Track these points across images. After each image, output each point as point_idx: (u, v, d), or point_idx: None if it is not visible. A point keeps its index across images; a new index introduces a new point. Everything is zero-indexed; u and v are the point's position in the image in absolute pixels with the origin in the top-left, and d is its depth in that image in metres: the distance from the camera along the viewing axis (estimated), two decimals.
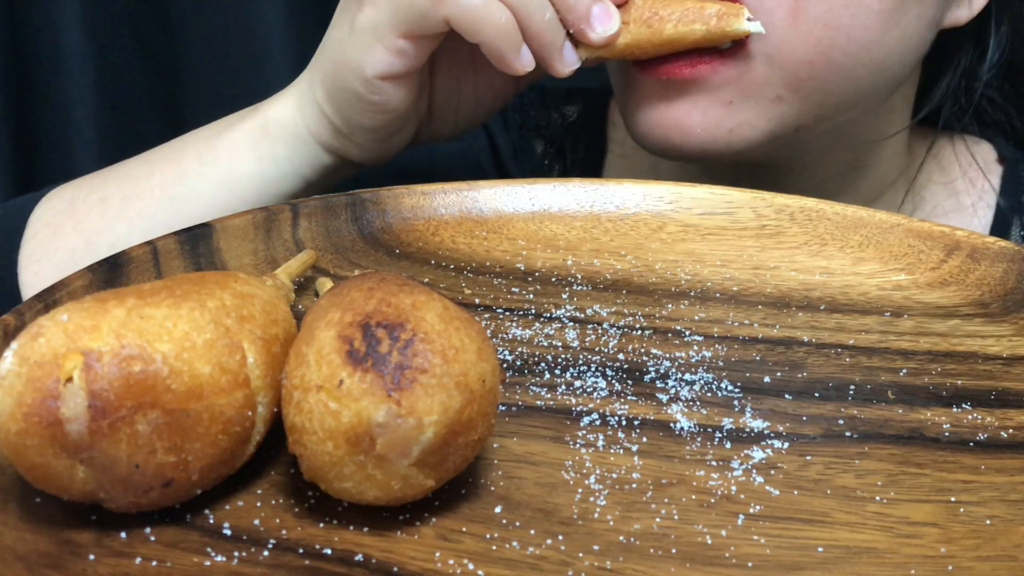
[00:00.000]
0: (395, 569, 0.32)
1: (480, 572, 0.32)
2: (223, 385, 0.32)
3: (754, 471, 0.37)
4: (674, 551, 0.33)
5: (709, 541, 0.34)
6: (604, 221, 0.54)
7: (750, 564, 0.33)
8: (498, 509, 0.35)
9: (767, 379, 0.43)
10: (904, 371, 0.43)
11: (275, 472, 0.36)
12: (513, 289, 0.48)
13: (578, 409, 0.40)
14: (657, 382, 0.42)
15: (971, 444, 0.39)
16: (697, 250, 0.52)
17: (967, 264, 0.50)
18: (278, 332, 0.35)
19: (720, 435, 0.39)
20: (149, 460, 0.31)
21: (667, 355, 0.44)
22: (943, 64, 0.67)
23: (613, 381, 0.42)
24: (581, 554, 0.33)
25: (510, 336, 0.45)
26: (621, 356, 0.44)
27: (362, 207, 0.52)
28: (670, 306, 0.48)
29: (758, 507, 0.35)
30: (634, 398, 0.41)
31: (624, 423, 0.39)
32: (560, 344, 0.44)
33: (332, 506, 0.34)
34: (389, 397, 0.31)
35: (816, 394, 0.42)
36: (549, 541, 0.33)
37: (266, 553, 0.32)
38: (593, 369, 0.43)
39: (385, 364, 0.31)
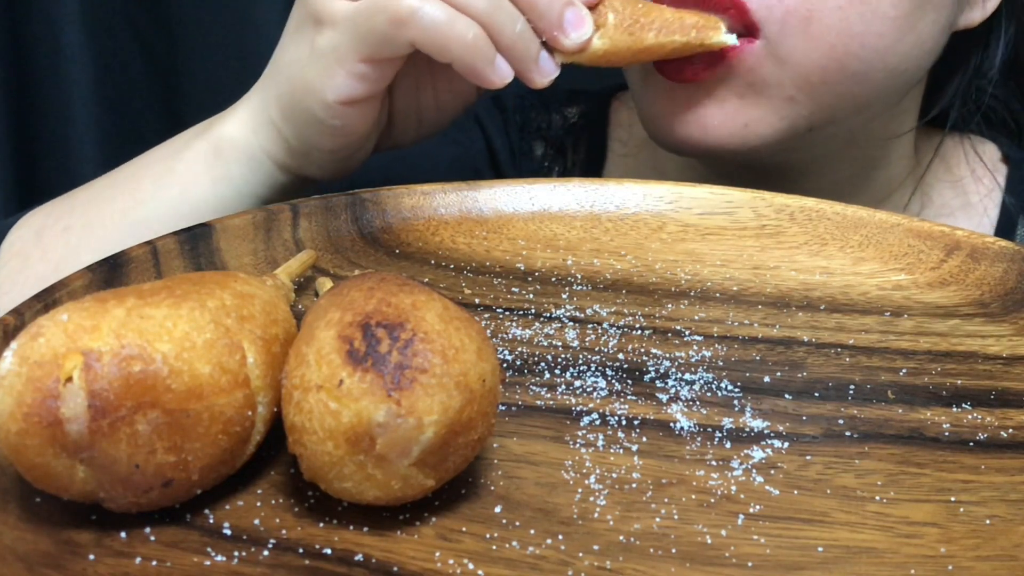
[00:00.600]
0: (395, 569, 0.32)
1: (480, 572, 0.32)
2: (223, 385, 0.32)
3: (754, 471, 0.37)
4: (674, 551, 0.33)
5: (709, 541, 0.34)
6: (604, 221, 0.54)
7: (750, 564, 0.33)
8: (498, 509, 0.35)
9: (767, 379, 0.43)
10: (904, 371, 0.43)
11: (275, 472, 0.36)
12: (513, 289, 0.48)
13: (578, 409, 0.40)
14: (657, 382, 0.42)
15: (971, 444, 0.39)
16: (697, 250, 0.52)
17: (967, 264, 0.50)
18: (278, 332, 0.35)
19: (720, 435, 0.39)
20: (149, 460, 0.31)
21: (667, 355, 0.44)
22: (952, 64, 0.67)
23: (613, 381, 0.42)
24: (581, 554, 0.33)
25: (510, 336, 0.45)
26: (621, 356, 0.44)
27: (362, 207, 0.52)
28: (670, 306, 0.48)
29: (758, 507, 0.35)
30: (634, 398, 0.41)
31: (624, 423, 0.39)
32: (560, 344, 0.44)
33: (332, 506, 0.34)
34: (389, 397, 0.31)
35: (816, 394, 0.42)
36: (549, 541, 0.33)
37: (266, 553, 0.32)
38: (593, 369, 0.43)
39: (385, 364, 0.31)
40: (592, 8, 0.52)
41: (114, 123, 1.13)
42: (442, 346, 0.32)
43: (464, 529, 0.34)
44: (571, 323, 0.46)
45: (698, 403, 0.41)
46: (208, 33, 1.09)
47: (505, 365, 0.43)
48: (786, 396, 0.41)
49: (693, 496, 0.36)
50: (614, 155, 0.76)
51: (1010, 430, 0.40)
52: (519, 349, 0.44)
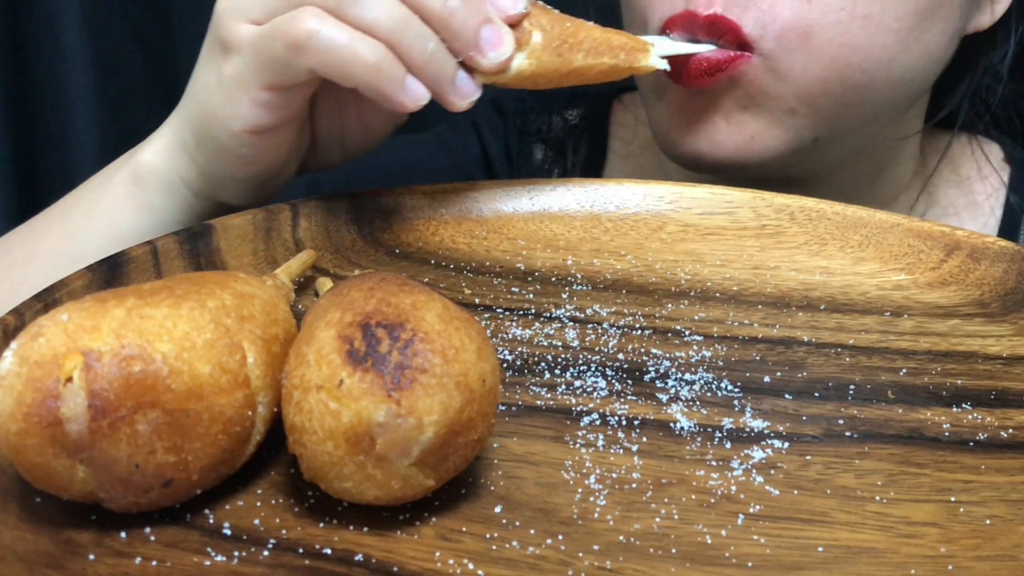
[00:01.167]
0: (395, 569, 0.32)
1: (480, 572, 0.32)
2: (223, 385, 0.32)
3: (754, 471, 0.37)
4: (674, 551, 0.33)
5: (709, 541, 0.34)
6: (604, 221, 0.54)
7: (750, 564, 0.33)
8: (498, 509, 0.35)
9: (767, 379, 0.43)
10: (904, 371, 0.43)
11: (275, 472, 0.36)
12: (513, 289, 0.48)
13: (578, 409, 0.40)
14: (657, 382, 0.42)
15: (971, 444, 0.39)
16: (697, 250, 0.52)
17: (967, 264, 0.50)
18: (278, 332, 0.35)
19: (720, 435, 0.39)
20: (149, 460, 0.31)
21: (667, 355, 0.44)
22: (961, 66, 0.67)
23: (613, 381, 0.42)
24: (581, 554, 0.33)
25: (510, 336, 0.45)
26: (621, 356, 0.44)
27: (362, 207, 0.52)
28: (670, 306, 0.48)
29: (758, 507, 0.35)
30: (634, 398, 0.41)
31: (624, 423, 0.39)
32: (560, 344, 0.44)
33: (332, 506, 0.34)
34: (389, 397, 0.31)
35: (816, 394, 0.42)
36: (549, 541, 0.33)
37: (266, 553, 0.32)
38: (593, 369, 0.43)
39: (385, 364, 0.31)
40: (514, 26, 0.48)
41: (114, 123, 1.12)
42: (442, 346, 0.32)
43: (464, 529, 0.34)
44: (571, 323, 0.46)
45: (698, 403, 0.41)
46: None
47: (505, 365, 0.43)
48: (786, 396, 0.41)
49: (693, 496, 0.36)
50: (615, 156, 0.76)
51: (1010, 430, 0.40)
52: (519, 349, 0.44)
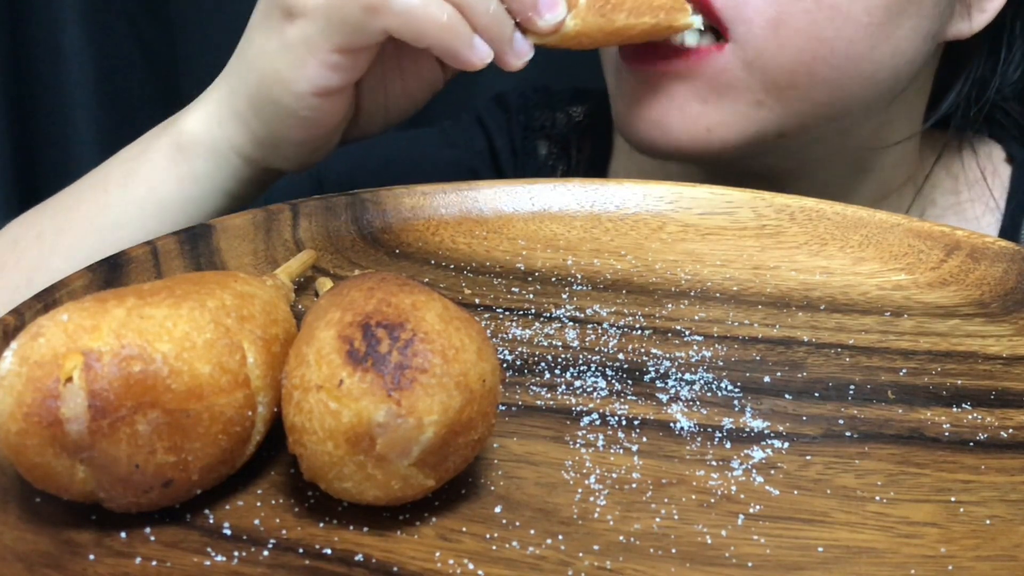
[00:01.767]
0: (395, 569, 0.32)
1: (480, 572, 0.32)
2: (223, 385, 0.32)
3: (754, 471, 0.37)
4: (674, 551, 0.33)
5: (709, 541, 0.34)
6: (604, 221, 0.54)
7: (750, 564, 0.33)
8: (498, 509, 0.35)
9: (767, 379, 0.43)
10: (904, 371, 0.43)
11: (275, 472, 0.36)
12: (513, 289, 0.48)
13: (578, 409, 0.40)
14: (657, 382, 0.42)
15: (971, 444, 0.39)
16: (697, 250, 0.52)
17: (967, 264, 0.50)
18: (278, 332, 0.35)
19: (720, 435, 0.39)
20: (149, 460, 0.31)
21: (667, 355, 0.44)
22: (955, 73, 0.67)
23: (613, 381, 0.42)
24: (581, 554, 0.33)
25: (510, 336, 0.45)
26: (621, 356, 0.44)
27: (362, 207, 0.52)
28: (670, 306, 0.48)
29: (758, 507, 0.35)
30: (634, 398, 0.41)
31: (624, 423, 0.39)
32: (560, 344, 0.44)
33: (332, 506, 0.34)
34: (389, 397, 0.31)
35: (816, 394, 0.42)
36: (549, 541, 0.33)
37: (266, 553, 0.32)
38: (593, 369, 0.43)
39: (385, 364, 0.31)
40: None
41: (114, 123, 1.12)
42: (442, 346, 0.32)
43: (464, 529, 0.34)
44: (571, 323, 0.46)
45: (698, 403, 0.41)
46: (208, 33, 1.09)
47: (505, 365, 0.43)
48: (786, 396, 0.41)
49: (693, 496, 0.36)
50: (619, 153, 0.76)
51: (1010, 430, 0.40)
52: (519, 349, 0.44)
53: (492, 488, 0.36)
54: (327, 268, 0.49)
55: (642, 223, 0.54)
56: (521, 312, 0.47)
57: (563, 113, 0.78)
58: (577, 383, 0.42)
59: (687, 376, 0.42)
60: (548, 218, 0.54)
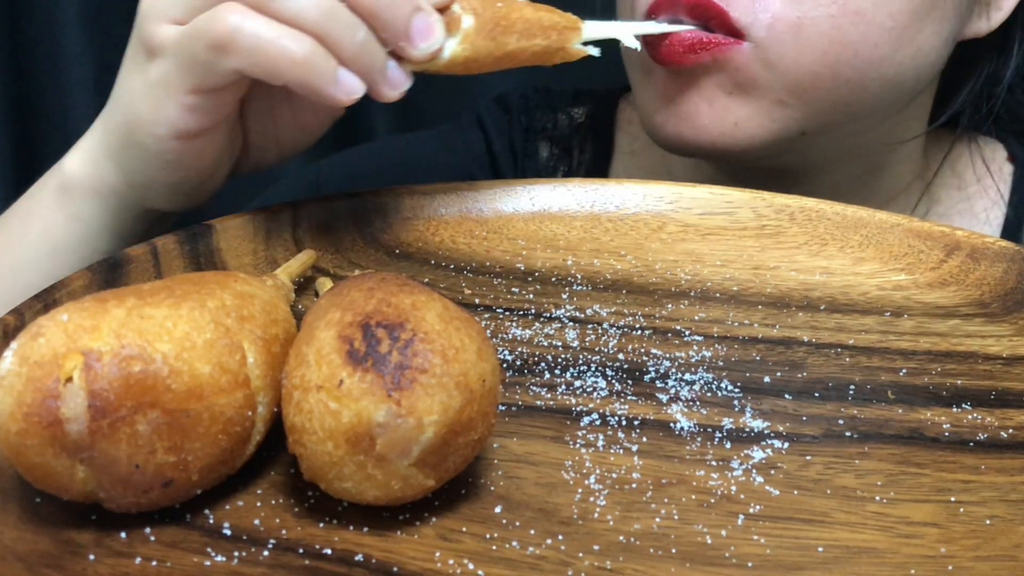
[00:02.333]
0: (395, 569, 0.32)
1: (480, 572, 0.32)
2: (223, 385, 0.32)
3: (754, 471, 0.37)
4: (674, 551, 0.33)
5: (709, 541, 0.34)
6: (604, 221, 0.54)
7: (750, 564, 0.33)
8: (498, 509, 0.35)
9: (767, 379, 0.43)
10: (904, 371, 0.43)
11: (275, 472, 0.36)
12: (513, 289, 0.48)
13: (578, 409, 0.40)
14: (657, 382, 0.42)
15: (971, 444, 0.39)
16: (697, 250, 0.52)
17: (967, 264, 0.50)
18: (278, 332, 0.35)
19: (720, 435, 0.39)
20: (149, 460, 0.31)
21: (667, 355, 0.44)
22: (964, 71, 0.67)
23: (613, 381, 0.42)
24: (581, 554, 0.33)
25: (510, 336, 0.45)
26: (621, 356, 0.44)
27: (362, 207, 0.52)
28: (670, 306, 0.48)
29: (758, 507, 0.35)
30: (634, 398, 0.41)
31: (624, 423, 0.39)
32: (560, 344, 0.44)
33: (332, 506, 0.34)
34: (389, 397, 0.31)
35: (816, 394, 0.42)
36: (549, 541, 0.33)
37: (266, 553, 0.32)
38: (593, 369, 0.43)
39: (385, 364, 0.31)
40: (443, 10, 0.46)
41: None
42: (442, 346, 0.32)
43: (464, 529, 0.34)
44: (571, 323, 0.46)
45: (698, 403, 0.41)
46: None
47: (505, 365, 0.43)
48: (786, 396, 0.41)
49: (693, 496, 0.36)
50: (621, 154, 0.76)
51: (1010, 430, 0.40)
52: (519, 349, 0.44)
53: (492, 488, 0.36)
54: (327, 268, 0.49)
55: (642, 223, 0.54)
56: (521, 312, 0.47)
57: (564, 114, 0.78)
58: (577, 383, 0.42)
59: (687, 376, 0.42)
60: (548, 218, 0.54)
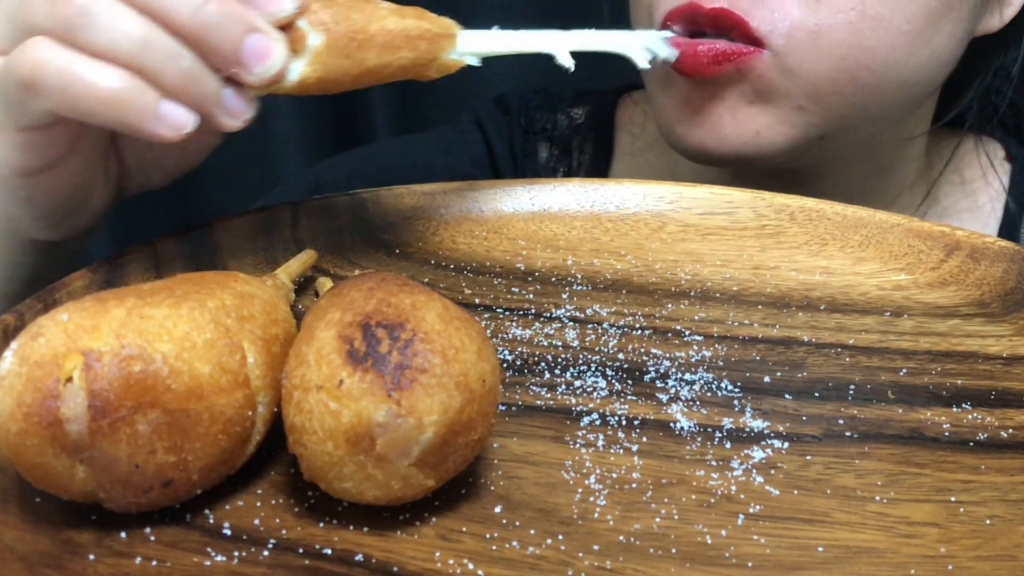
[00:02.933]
0: (395, 569, 0.32)
1: (480, 572, 0.32)
2: (223, 385, 0.32)
3: (754, 471, 0.37)
4: (674, 551, 0.33)
5: (709, 541, 0.34)
6: (604, 221, 0.54)
7: (750, 564, 0.33)
8: (498, 509, 0.35)
9: (767, 379, 0.43)
10: (904, 371, 0.43)
11: (275, 472, 0.36)
12: (513, 289, 0.48)
13: (578, 409, 0.40)
14: (657, 382, 0.42)
15: (971, 444, 0.39)
16: (697, 250, 0.52)
17: (967, 264, 0.50)
18: (278, 332, 0.35)
19: (720, 435, 0.39)
20: (149, 460, 0.31)
21: (667, 355, 0.44)
22: (970, 68, 0.67)
23: (613, 381, 0.42)
24: (581, 554, 0.33)
25: (510, 336, 0.45)
26: (621, 356, 0.44)
27: (362, 207, 0.52)
28: (670, 306, 0.48)
29: (758, 507, 0.35)
30: (634, 398, 0.41)
31: (624, 423, 0.39)
32: (560, 344, 0.44)
33: (332, 506, 0.34)
34: (389, 397, 0.31)
35: (816, 394, 0.42)
36: (549, 541, 0.33)
37: (266, 553, 0.32)
38: (593, 369, 0.43)
39: (385, 364, 0.31)
40: (287, 28, 0.41)
41: None
42: (442, 346, 0.32)
43: (464, 529, 0.34)
44: (571, 323, 0.46)
45: (698, 403, 0.41)
46: None
47: (505, 365, 0.43)
48: (786, 396, 0.41)
49: (693, 496, 0.36)
50: (621, 155, 0.76)
51: (1010, 430, 0.40)
52: (519, 349, 0.44)
53: (492, 488, 0.36)
54: (327, 268, 0.49)
55: (642, 223, 0.54)
56: (521, 312, 0.47)
57: (564, 115, 0.78)
58: (577, 383, 0.42)
59: (687, 376, 0.42)
60: (548, 218, 0.54)
